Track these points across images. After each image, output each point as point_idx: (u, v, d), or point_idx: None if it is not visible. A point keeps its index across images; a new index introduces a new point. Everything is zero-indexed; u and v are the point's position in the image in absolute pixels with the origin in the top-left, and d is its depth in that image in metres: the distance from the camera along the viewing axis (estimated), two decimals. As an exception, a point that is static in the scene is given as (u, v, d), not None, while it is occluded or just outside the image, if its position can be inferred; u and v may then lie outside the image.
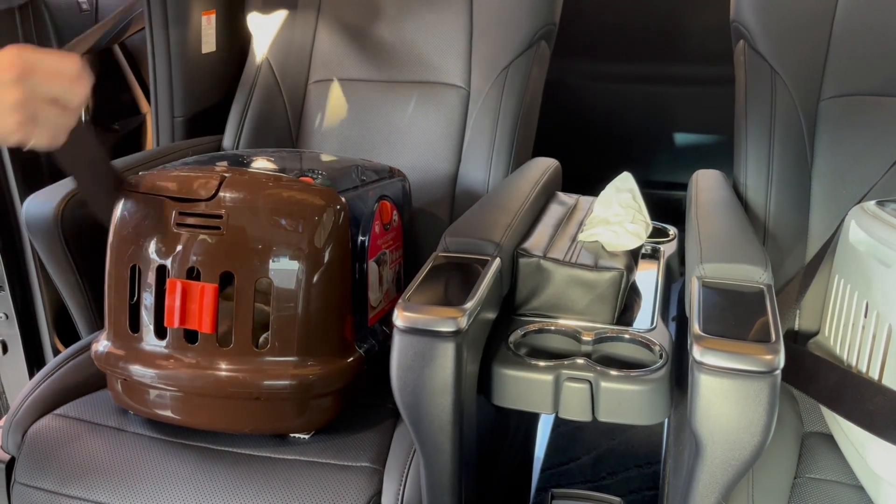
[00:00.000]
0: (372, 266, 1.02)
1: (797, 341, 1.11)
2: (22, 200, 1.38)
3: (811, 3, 1.20)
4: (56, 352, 1.47)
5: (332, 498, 0.89)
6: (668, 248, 1.21)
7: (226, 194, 0.93)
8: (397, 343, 0.82)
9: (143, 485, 0.93)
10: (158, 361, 0.94)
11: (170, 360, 0.94)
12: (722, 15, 1.33)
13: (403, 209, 1.14)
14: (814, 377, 0.89)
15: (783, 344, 0.73)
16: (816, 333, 1.06)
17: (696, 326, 0.76)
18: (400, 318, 0.81)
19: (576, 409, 0.87)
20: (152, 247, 0.94)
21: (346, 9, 1.48)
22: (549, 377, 0.87)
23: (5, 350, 1.46)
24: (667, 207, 1.35)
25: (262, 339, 0.94)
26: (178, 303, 0.91)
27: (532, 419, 1.52)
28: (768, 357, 0.71)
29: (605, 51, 1.99)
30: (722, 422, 0.73)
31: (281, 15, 1.49)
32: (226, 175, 0.95)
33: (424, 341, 0.80)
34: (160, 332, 0.95)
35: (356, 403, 1.03)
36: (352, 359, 0.98)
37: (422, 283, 0.87)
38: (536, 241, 1.03)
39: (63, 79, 0.73)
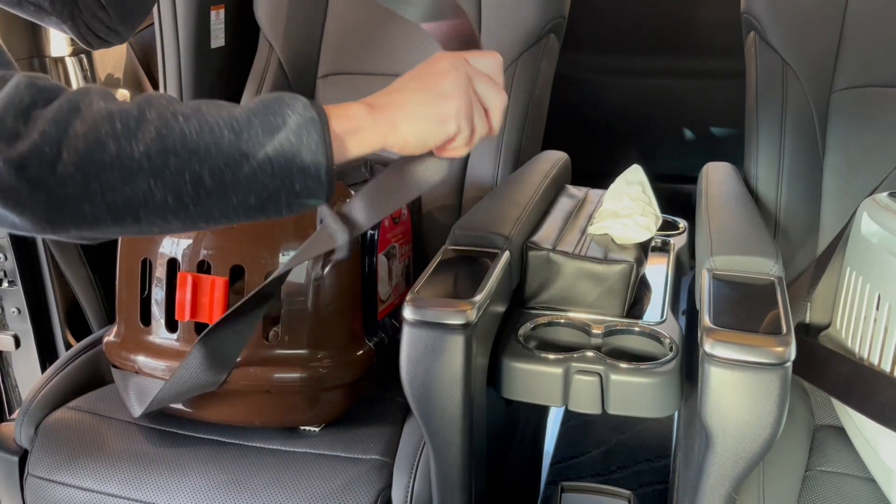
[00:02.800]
0: (381, 260, 1.02)
1: (808, 334, 1.10)
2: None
3: (823, -7, 1.19)
4: (68, 346, 1.48)
5: (343, 490, 0.90)
6: (678, 241, 1.21)
7: (235, 188, 0.93)
8: (407, 336, 0.82)
9: (155, 477, 0.93)
10: (169, 355, 0.95)
11: (181, 353, 0.94)
12: (732, 7, 1.32)
13: (413, 203, 1.14)
14: (825, 370, 0.89)
15: (794, 336, 0.73)
16: (828, 326, 1.06)
17: (706, 319, 0.76)
18: (409, 311, 0.81)
19: (586, 402, 0.87)
20: (163, 241, 0.95)
21: (354, 3, 1.48)
22: (558, 370, 0.87)
23: (18, 344, 1.47)
24: (677, 200, 1.34)
25: (272, 333, 0.94)
26: (188, 296, 0.92)
27: (542, 412, 1.52)
28: (779, 349, 0.71)
29: (615, 44, 1.98)
30: (732, 414, 0.73)
31: (290, 10, 1.49)
32: (235, 169, 0.95)
33: (434, 334, 0.80)
34: (171, 326, 0.95)
35: (366, 397, 1.03)
36: (361, 352, 0.98)
37: (431, 276, 0.88)
38: (546, 234, 1.03)
39: (492, 84, 0.66)
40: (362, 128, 0.60)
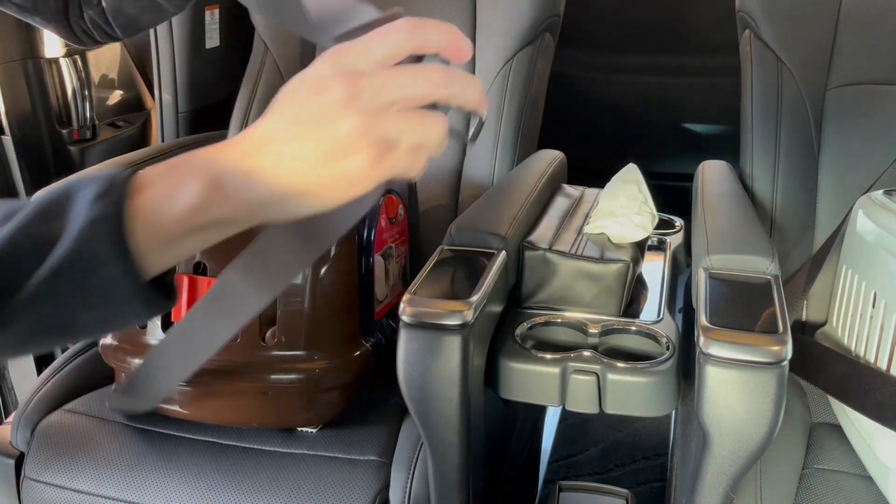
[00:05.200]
0: (378, 260, 1.02)
1: (804, 332, 1.10)
2: (28, 196, 1.38)
3: (817, -9, 1.19)
4: (64, 348, 1.48)
5: (340, 492, 0.90)
6: (674, 240, 1.21)
7: (231, 189, 0.92)
8: (404, 337, 0.82)
9: (151, 479, 0.93)
10: (166, 357, 0.94)
11: (177, 355, 0.94)
12: (727, 5, 1.32)
13: (409, 203, 1.14)
14: (822, 368, 0.89)
15: (790, 335, 0.73)
16: (824, 324, 1.06)
17: (702, 318, 0.76)
18: (406, 311, 0.81)
19: (583, 402, 0.87)
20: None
21: (349, 2, 1.48)
22: (555, 370, 0.87)
23: (14, 346, 1.46)
24: (673, 199, 1.34)
25: (269, 334, 0.94)
26: (185, 298, 0.92)
27: (539, 412, 1.52)
28: (776, 348, 0.71)
29: (610, 42, 1.98)
30: (729, 413, 0.73)
31: (284, 9, 1.48)
32: (231, 170, 0.95)
33: (431, 335, 0.80)
34: (167, 327, 0.95)
35: (363, 397, 1.03)
36: (359, 353, 0.98)
37: (428, 276, 0.87)
38: (542, 234, 1.03)
39: (422, 72, 0.46)
40: (199, 212, 0.43)
